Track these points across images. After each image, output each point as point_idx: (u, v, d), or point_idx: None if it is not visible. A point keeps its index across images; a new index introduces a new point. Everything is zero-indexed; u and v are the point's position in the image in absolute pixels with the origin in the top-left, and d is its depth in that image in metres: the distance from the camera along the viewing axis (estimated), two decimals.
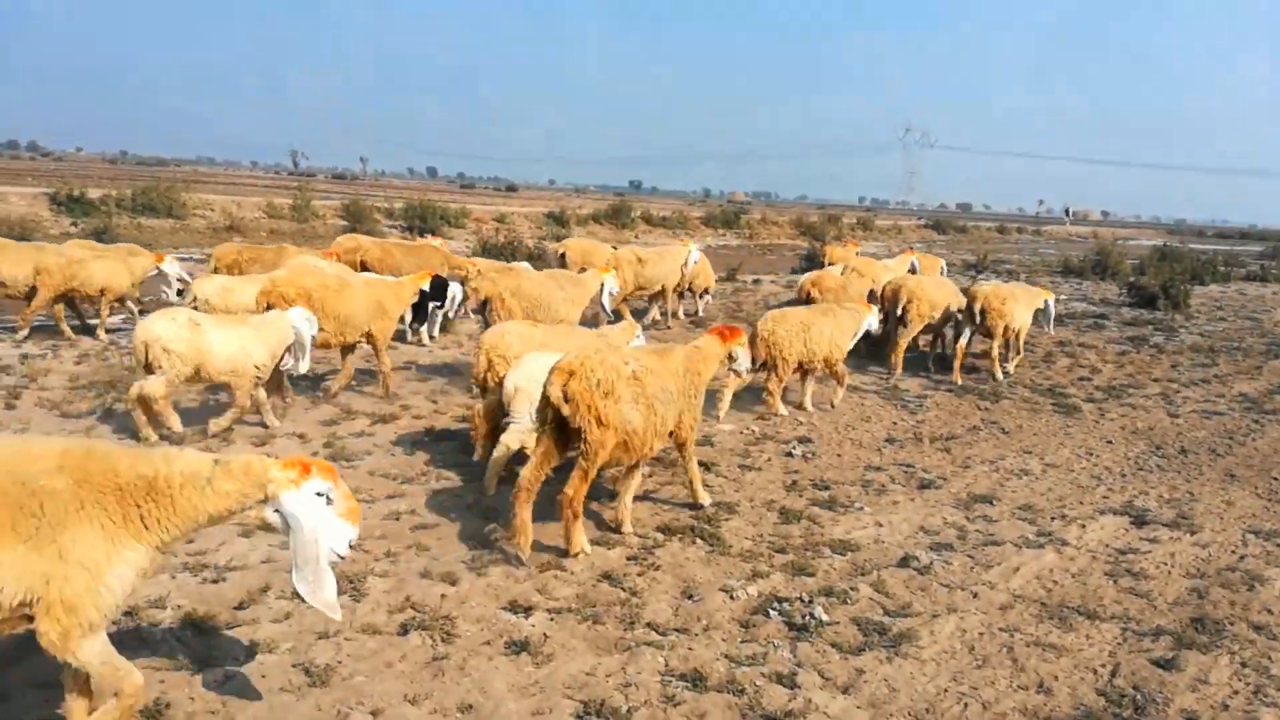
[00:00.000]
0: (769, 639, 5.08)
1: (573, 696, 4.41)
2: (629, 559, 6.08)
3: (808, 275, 14.91)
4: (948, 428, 10.18)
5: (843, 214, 65.61)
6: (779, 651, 4.94)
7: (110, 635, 4.59)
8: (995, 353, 12.62)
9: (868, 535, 6.80)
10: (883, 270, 15.08)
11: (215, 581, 5.32)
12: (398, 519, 6.51)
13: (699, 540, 6.44)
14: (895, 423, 10.27)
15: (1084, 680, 4.84)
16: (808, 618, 5.30)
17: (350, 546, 3.94)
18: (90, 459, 3.53)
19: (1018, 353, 13.21)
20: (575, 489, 5.85)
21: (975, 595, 5.83)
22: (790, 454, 8.74)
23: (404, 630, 4.91)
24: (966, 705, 4.55)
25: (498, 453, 7.05)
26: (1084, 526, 7.18)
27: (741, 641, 5.05)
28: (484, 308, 10.56)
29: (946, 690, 4.68)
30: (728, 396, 9.64)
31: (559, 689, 4.47)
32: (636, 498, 6.88)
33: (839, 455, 8.88)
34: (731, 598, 5.58)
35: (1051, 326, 13.67)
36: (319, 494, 3.83)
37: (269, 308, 8.88)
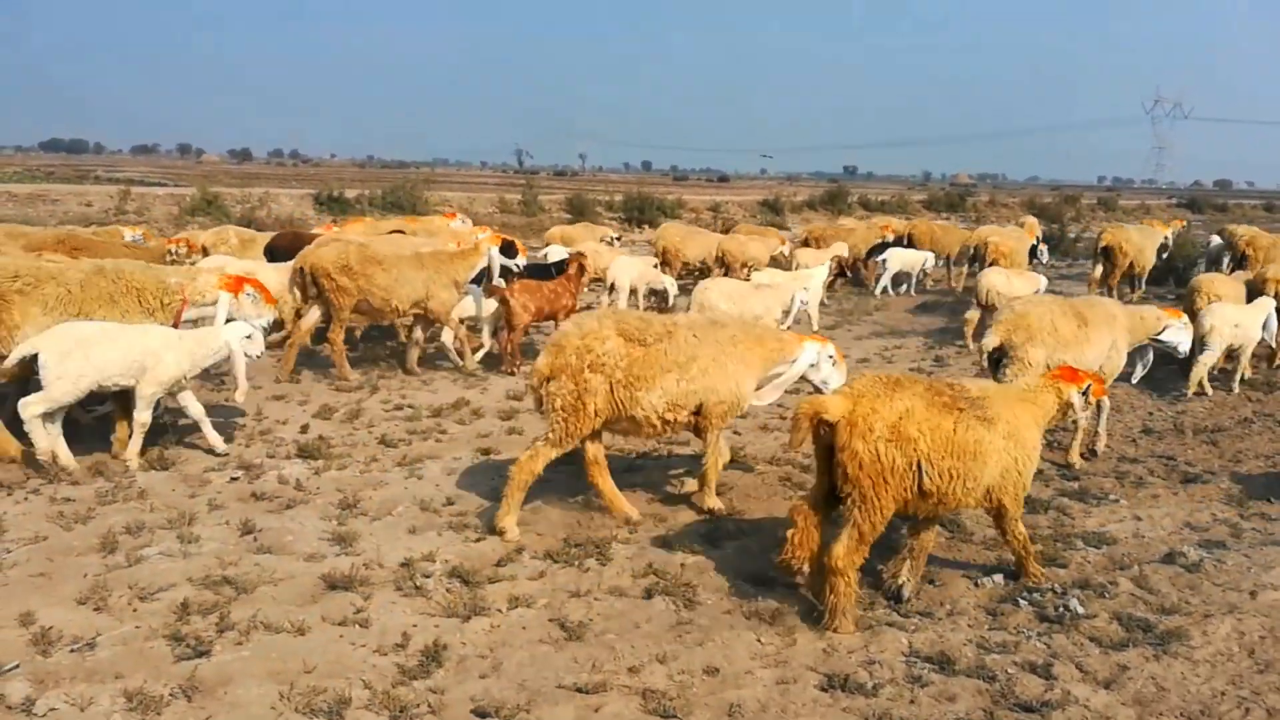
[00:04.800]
0: (1019, 628, 4.87)
1: (815, 669, 4.44)
2: None
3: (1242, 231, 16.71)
4: (1213, 419, 9.30)
5: (1080, 194, 60.95)
6: (1031, 641, 4.73)
7: (391, 583, 5.10)
8: None
9: (1125, 529, 6.35)
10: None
11: (477, 540, 5.77)
12: (634, 490, 6.76)
13: (938, 526, 6.25)
14: (1151, 412, 9.52)
15: None
16: (1062, 609, 5.03)
17: None
18: None
19: None
20: None
21: (1254, 596, 5.31)
22: None
23: (648, 594, 5.12)
24: (1248, 710, 4.17)
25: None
26: None
27: (989, 629, 4.88)
28: (1105, 253, 15.58)
29: (1224, 693, 4.31)
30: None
31: (801, 661, 4.51)
32: None
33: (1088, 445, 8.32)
34: (975, 585, 5.41)
35: None
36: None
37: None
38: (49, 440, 6.44)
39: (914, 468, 4.65)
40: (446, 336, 10.31)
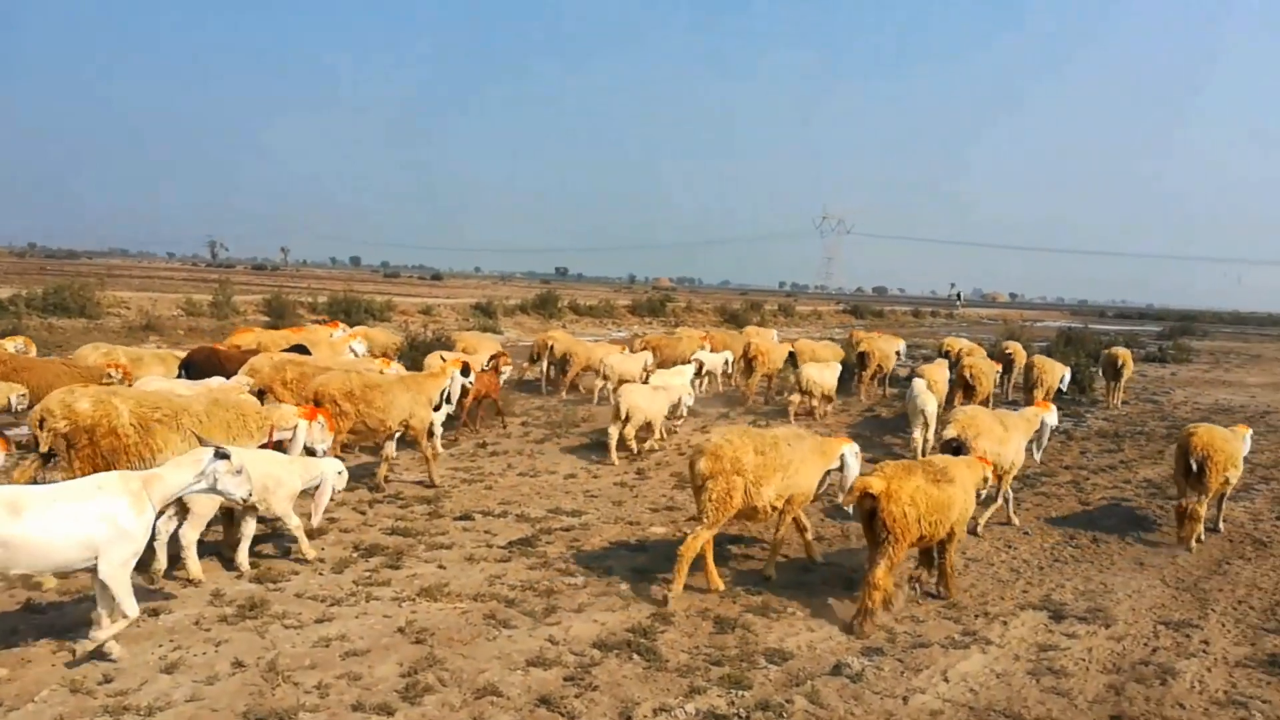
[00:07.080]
0: None
1: None
2: (566, 679, 6.05)
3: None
4: None
5: (765, 300, 67.15)
6: None
7: None
8: None
9: (800, 641, 6.90)
10: None
11: None
12: (328, 645, 6.37)
13: (635, 655, 6.45)
14: (822, 520, 10.49)
15: None
16: None
17: None
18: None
19: None
20: None
21: (906, 701, 5.96)
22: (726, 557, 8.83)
23: None
24: None
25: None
26: (1005, 624, 7.42)
27: None
28: (861, 357, 20.11)
29: None
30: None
31: None
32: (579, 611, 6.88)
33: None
34: (671, 717, 5.60)
35: None
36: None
37: None
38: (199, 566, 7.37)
39: (920, 521, 7.12)
40: (389, 448, 11.03)
